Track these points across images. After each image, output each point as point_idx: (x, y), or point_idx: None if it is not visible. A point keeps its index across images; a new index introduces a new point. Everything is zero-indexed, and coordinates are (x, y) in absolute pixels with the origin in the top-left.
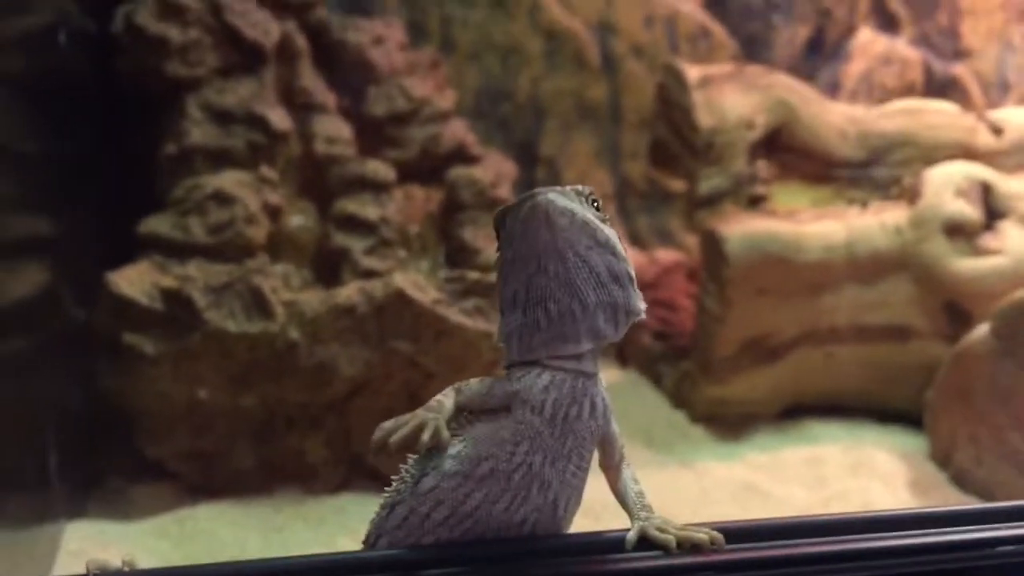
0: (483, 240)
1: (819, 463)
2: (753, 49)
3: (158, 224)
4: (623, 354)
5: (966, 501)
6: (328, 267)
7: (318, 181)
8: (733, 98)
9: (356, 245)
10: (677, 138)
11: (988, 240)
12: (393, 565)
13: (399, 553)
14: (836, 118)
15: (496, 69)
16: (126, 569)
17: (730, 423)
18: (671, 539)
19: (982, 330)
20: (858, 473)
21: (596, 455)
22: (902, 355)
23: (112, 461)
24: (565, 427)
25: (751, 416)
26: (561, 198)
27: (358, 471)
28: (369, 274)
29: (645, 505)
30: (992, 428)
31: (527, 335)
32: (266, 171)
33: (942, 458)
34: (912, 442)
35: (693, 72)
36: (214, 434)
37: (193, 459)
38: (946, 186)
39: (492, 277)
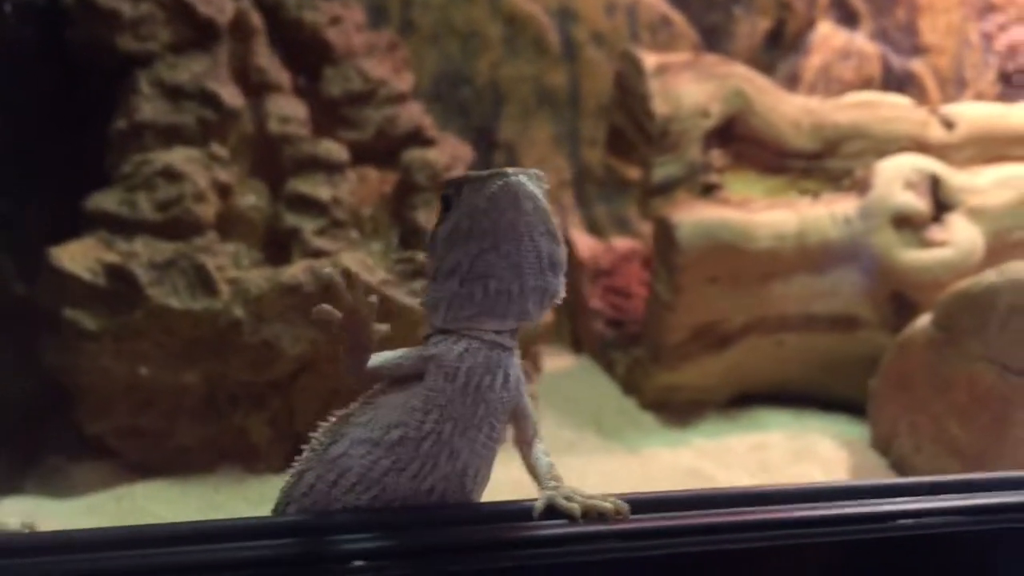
0: None
1: (764, 449)
2: (714, 40)
3: (105, 200)
4: (577, 340)
5: None
6: (278, 247)
7: (270, 161)
8: (689, 86)
9: (307, 225)
10: (633, 125)
11: (935, 232)
12: (297, 530)
13: (303, 518)
14: (791, 109)
15: (456, 53)
16: (25, 531)
17: (679, 410)
18: (576, 508)
19: (924, 320)
20: (801, 459)
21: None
22: (849, 344)
23: (51, 438)
24: (477, 396)
25: (700, 403)
26: (530, 182)
27: (301, 451)
28: (319, 255)
29: (555, 476)
30: (931, 416)
31: (457, 306)
32: (217, 148)
33: (883, 445)
34: (855, 430)
35: (650, 60)
36: (155, 411)
37: (133, 436)
38: (895, 178)
39: None
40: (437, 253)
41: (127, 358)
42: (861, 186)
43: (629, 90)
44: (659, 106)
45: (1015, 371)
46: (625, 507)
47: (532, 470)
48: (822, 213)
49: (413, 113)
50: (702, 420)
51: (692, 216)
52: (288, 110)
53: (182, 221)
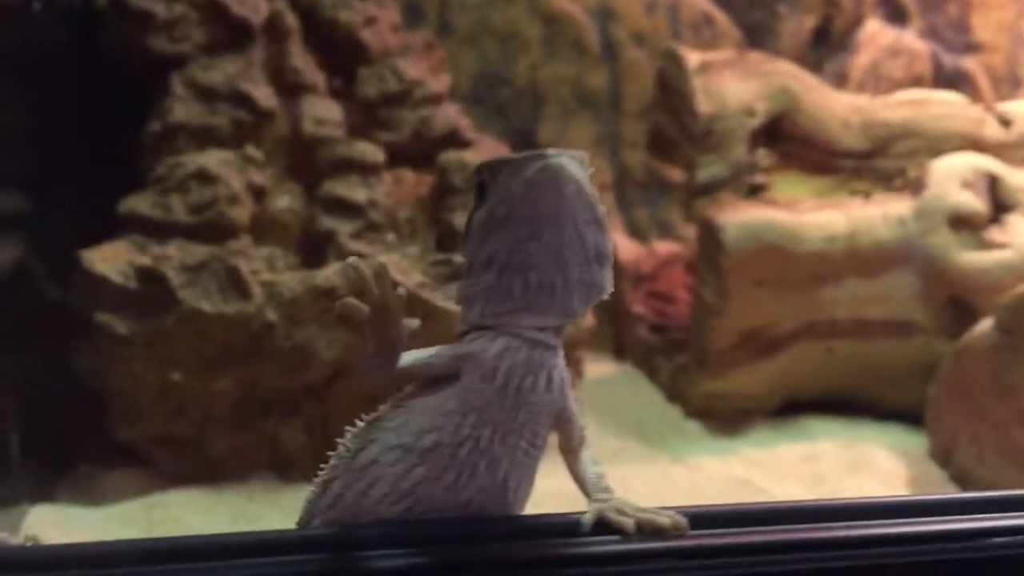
0: None
1: (816, 460)
2: (757, 38)
3: (138, 203)
4: (619, 347)
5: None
6: (314, 250)
7: (305, 162)
8: (733, 84)
9: (343, 228)
10: (676, 125)
11: (994, 233)
12: (323, 544)
13: (330, 532)
14: (839, 107)
15: (494, 54)
16: (28, 544)
17: (725, 418)
18: (630, 522)
19: (985, 325)
20: (856, 471)
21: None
22: (904, 351)
23: (83, 445)
24: (518, 399)
25: (747, 411)
26: (572, 164)
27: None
28: (357, 257)
29: (604, 487)
30: (995, 425)
31: (495, 300)
32: (251, 150)
33: (943, 456)
34: (912, 440)
35: (693, 57)
36: (187, 419)
37: (166, 444)
38: (952, 177)
39: None
40: (472, 243)
41: (159, 363)
42: (915, 186)
43: (672, 88)
44: (703, 104)
45: None
46: (684, 522)
47: (579, 480)
48: (874, 214)
49: (449, 114)
50: (749, 429)
51: (738, 217)
52: (323, 111)
53: (216, 224)
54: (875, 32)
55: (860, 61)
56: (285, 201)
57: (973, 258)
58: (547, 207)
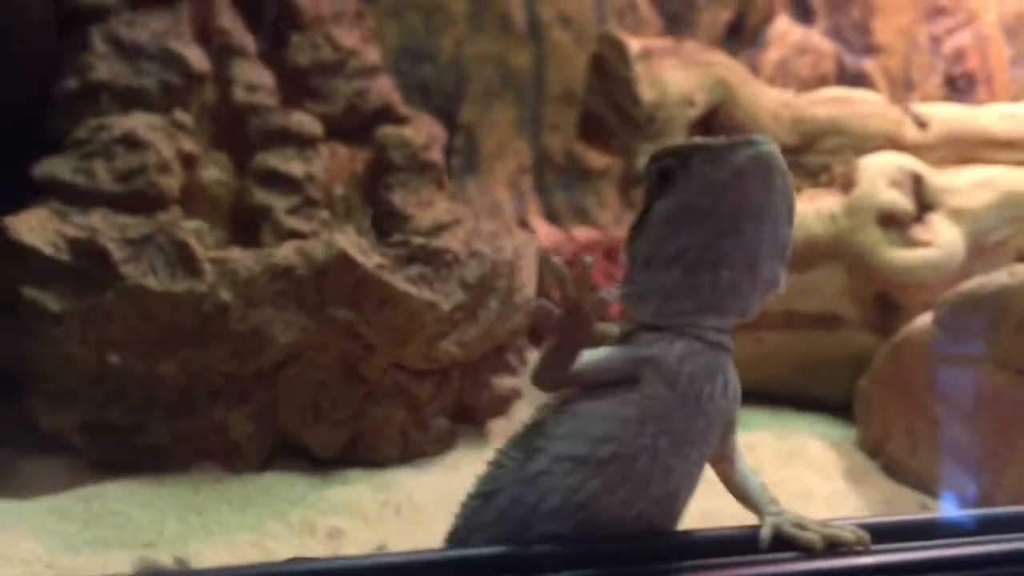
0: (413, 205)
1: (753, 450)
2: (676, 28)
3: (57, 167)
4: (535, 333)
5: (900, 492)
6: (245, 225)
7: (235, 131)
8: (674, 73)
9: (278, 203)
10: (613, 111)
11: (919, 232)
12: (501, 565)
13: (512, 550)
14: (769, 101)
15: (418, 27)
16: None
17: None
18: (815, 537)
19: (923, 321)
20: (792, 462)
21: None
22: (830, 344)
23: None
24: (697, 406)
25: None
26: (779, 153)
27: (285, 448)
28: (293, 235)
29: (772, 499)
30: (930, 419)
31: (677, 298)
32: (180, 116)
33: (872, 447)
34: (838, 431)
35: (633, 44)
36: (125, 404)
37: (98, 431)
38: (881, 176)
39: (435, 243)
40: (653, 236)
41: (95, 344)
42: (844, 183)
43: (610, 74)
44: (645, 92)
45: None
46: (866, 536)
47: (741, 490)
48: (807, 208)
49: (383, 87)
50: None
51: None
52: (255, 77)
53: (145, 194)
54: (785, 30)
55: (770, 57)
56: (214, 172)
57: (900, 255)
58: (756, 199)
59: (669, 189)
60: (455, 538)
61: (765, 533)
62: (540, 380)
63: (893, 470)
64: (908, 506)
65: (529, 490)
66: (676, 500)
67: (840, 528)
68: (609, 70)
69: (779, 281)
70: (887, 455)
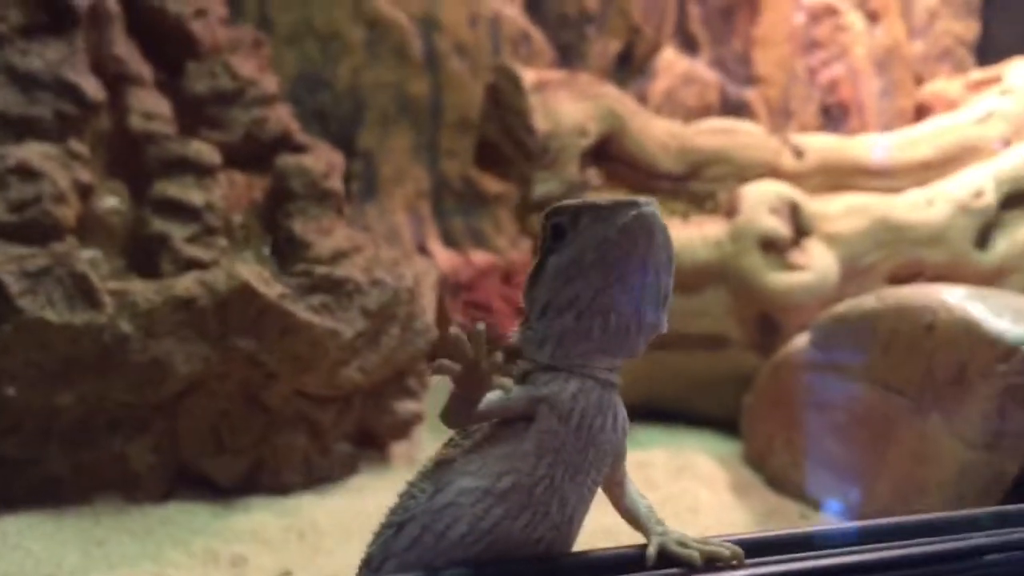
0: (313, 233)
1: (646, 467)
2: (568, 58)
3: None
4: (431, 356)
5: (782, 503)
6: (143, 254)
7: (131, 160)
8: (567, 105)
9: (177, 232)
10: (509, 141)
11: (796, 256)
12: None
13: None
14: (658, 132)
15: (315, 55)
16: None
17: None
18: (695, 554)
19: (801, 341)
20: (682, 476)
21: None
22: (718, 363)
23: None
24: (588, 438)
25: None
26: (658, 212)
27: (185, 478)
28: (192, 263)
29: (657, 519)
30: (807, 434)
31: (571, 341)
32: (76, 145)
33: (757, 461)
34: (725, 446)
35: (528, 76)
36: (20, 436)
37: None
38: (761, 203)
39: (337, 272)
40: (547, 285)
41: None
42: (728, 210)
43: (505, 104)
44: (540, 123)
45: (895, 390)
46: (740, 552)
47: (629, 513)
48: (694, 234)
49: (282, 116)
50: None
51: None
52: (152, 106)
53: (40, 224)
54: (671, 60)
55: (658, 87)
56: (111, 201)
57: (779, 279)
58: (639, 254)
59: (561, 244)
60: (369, 566)
61: (651, 552)
62: (448, 421)
63: (776, 482)
64: (790, 516)
65: (438, 519)
66: (571, 524)
67: (719, 545)
68: (504, 100)
69: (662, 324)
70: (770, 468)
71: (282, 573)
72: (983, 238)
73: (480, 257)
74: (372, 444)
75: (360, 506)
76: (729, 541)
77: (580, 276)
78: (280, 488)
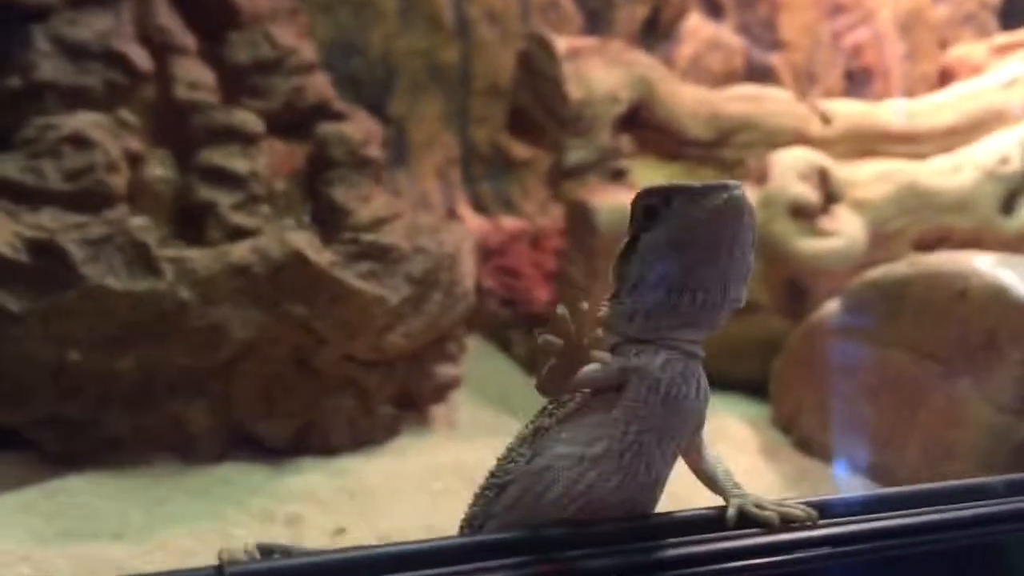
0: (354, 200)
1: None
2: (596, 24)
3: (4, 166)
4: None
5: (812, 464)
6: (190, 221)
7: (177, 129)
8: (600, 72)
9: (223, 200)
10: (542, 108)
11: (825, 222)
12: (522, 546)
13: (529, 533)
14: (688, 99)
15: (348, 22)
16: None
17: None
18: (773, 515)
19: (832, 306)
20: (714, 439)
21: None
22: (747, 328)
23: None
24: (675, 407)
25: None
26: (746, 194)
27: (239, 440)
28: (238, 231)
29: (736, 483)
30: (839, 397)
31: (659, 316)
32: (125, 114)
33: (786, 424)
34: (754, 409)
35: (560, 43)
36: (82, 399)
37: (55, 426)
38: (791, 169)
39: (383, 239)
40: (639, 262)
41: (55, 342)
42: (758, 176)
43: (538, 72)
44: (573, 90)
45: (926, 355)
46: (814, 513)
47: (707, 476)
48: None
49: (320, 84)
50: None
51: (609, 201)
52: (196, 75)
53: (93, 192)
54: (697, 26)
55: (684, 52)
56: (158, 169)
57: (809, 244)
58: (729, 234)
59: (653, 223)
60: (472, 524)
61: (731, 513)
62: (544, 390)
63: (805, 444)
64: (819, 478)
65: (537, 482)
66: (657, 486)
67: (793, 506)
68: (537, 68)
69: (742, 299)
70: (799, 431)
71: (337, 531)
72: (1008, 204)
73: (509, 223)
74: (412, 407)
75: (404, 467)
76: (800, 503)
77: (672, 255)
78: (328, 449)
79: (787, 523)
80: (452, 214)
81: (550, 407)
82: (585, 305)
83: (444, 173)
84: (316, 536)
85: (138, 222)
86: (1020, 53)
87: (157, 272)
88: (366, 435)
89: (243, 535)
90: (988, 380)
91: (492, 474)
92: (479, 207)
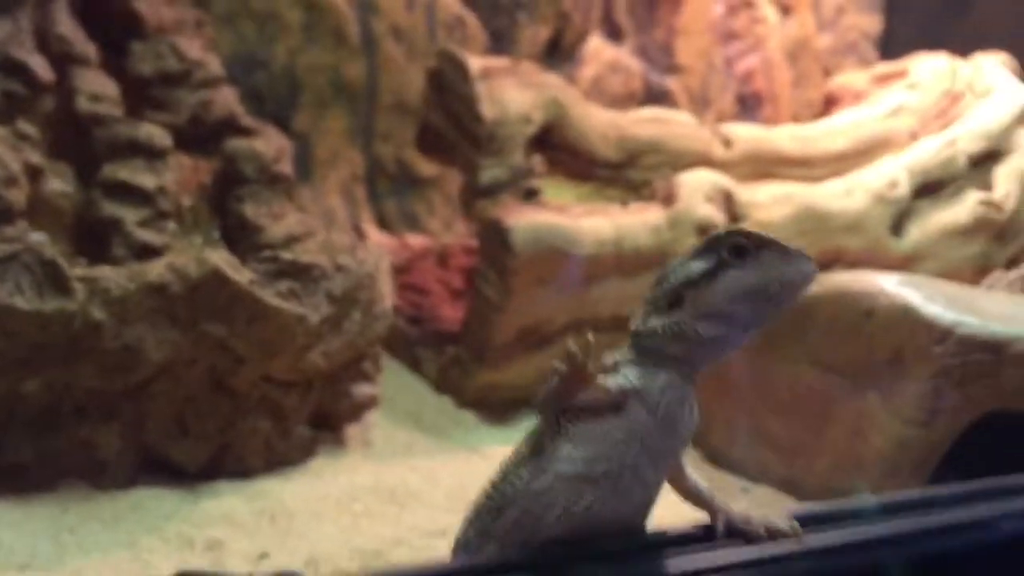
0: (265, 217)
1: None
2: (500, 44)
3: None
4: (389, 343)
5: (722, 477)
6: (93, 238)
7: (77, 142)
8: (513, 92)
9: (129, 216)
10: (454, 126)
11: None
12: (534, 566)
13: (537, 555)
14: (597, 121)
15: (252, 36)
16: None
17: (496, 407)
18: (760, 530)
19: None
20: None
21: None
22: None
23: None
24: (672, 428)
25: (515, 400)
26: None
27: (151, 464)
28: (145, 248)
29: (720, 499)
30: (748, 412)
31: (707, 348)
32: (25, 126)
33: (696, 438)
34: None
35: (474, 63)
36: None
37: None
38: (697, 191)
39: (303, 258)
40: (720, 295)
41: None
42: (664, 197)
43: (450, 90)
44: (487, 110)
45: (836, 371)
46: (797, 525)
47: (692, 493)
48: (635, 221)
49: (227, 98)
50: (521, 417)
51: (523, 220)
52: (99, 87)
53: None
54: (598, 48)
55: (586, 73)
56: (58, 184)
57: None
58: (788, 302)
59: (741, 264)
60: (467, 546)
61: (720, 528)
62: (544, 411)
63: (714, 458)
64: (731, 490)
65: (536, 503)
66: (648, 506)
67: (779, 520)
68: (449, 86)
69: None
70: (709, 445)
71: (261, 555)
72: (897, 226)
73: (415, 240)
74: (328, 427)
75: (323, 488)
76: (785, 516)
77: (753, 299)
78: (244, 472)
79: (773, 536)
80: (357, 231)
81: (541, 427)
82: (591, 337)
83: (349, 189)
84: (239, 562)
85: (37, 238)
86: (902, 83)
87: (67, 292)
88: (282, 457)
89: (161, 563)
90: (894, 394)
91: (488, 496)
92: (383, 224)
